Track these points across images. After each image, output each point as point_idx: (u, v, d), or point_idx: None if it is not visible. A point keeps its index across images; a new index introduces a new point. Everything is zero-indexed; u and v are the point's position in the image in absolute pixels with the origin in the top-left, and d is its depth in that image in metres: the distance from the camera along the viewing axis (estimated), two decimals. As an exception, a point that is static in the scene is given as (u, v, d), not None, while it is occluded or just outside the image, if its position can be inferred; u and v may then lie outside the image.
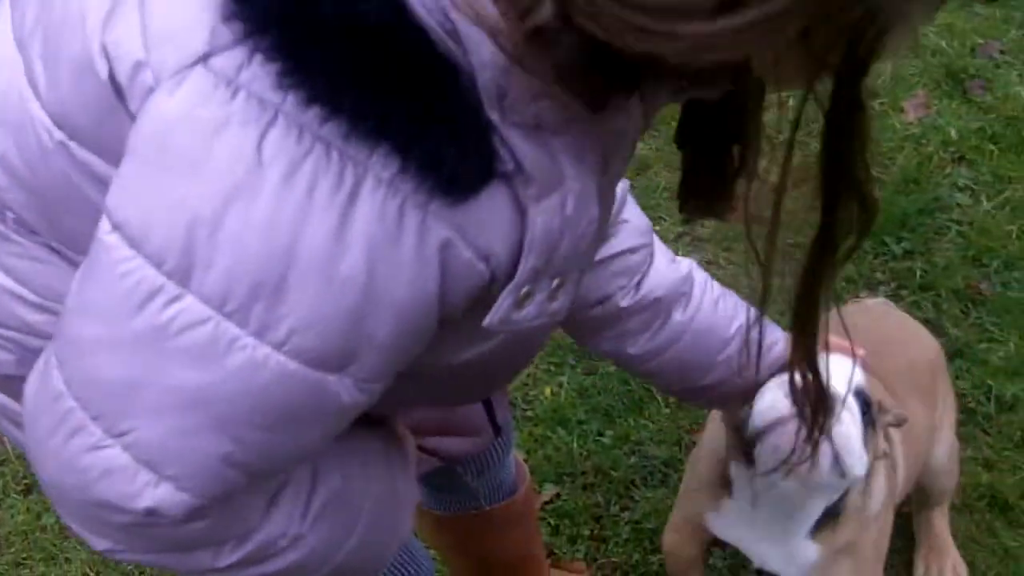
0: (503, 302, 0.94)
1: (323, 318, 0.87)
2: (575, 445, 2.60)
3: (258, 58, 0.82)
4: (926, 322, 2.77)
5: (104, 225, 0.90)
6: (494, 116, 0.85)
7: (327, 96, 0.81)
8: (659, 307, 1.58)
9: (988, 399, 2.64)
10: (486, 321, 0.95)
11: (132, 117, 0.89)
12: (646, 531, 2.44)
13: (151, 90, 0.86)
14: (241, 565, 1.10)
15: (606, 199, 1.08)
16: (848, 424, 1.61)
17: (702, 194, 1.18)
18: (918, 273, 2.92)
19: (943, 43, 3.55)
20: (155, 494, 0.96)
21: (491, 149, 0.86)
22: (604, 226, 1.15)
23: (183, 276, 0.86)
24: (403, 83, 0.82)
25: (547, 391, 2.69)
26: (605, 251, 1.51)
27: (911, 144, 3.24)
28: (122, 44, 0.89)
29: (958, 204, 3.10)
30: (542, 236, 0.92)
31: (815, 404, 1.30)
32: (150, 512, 0.97)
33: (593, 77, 0.86)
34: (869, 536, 1.88)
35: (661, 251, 1.60)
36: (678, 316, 1.60)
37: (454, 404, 1.52)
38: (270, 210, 0.83)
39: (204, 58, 0.83)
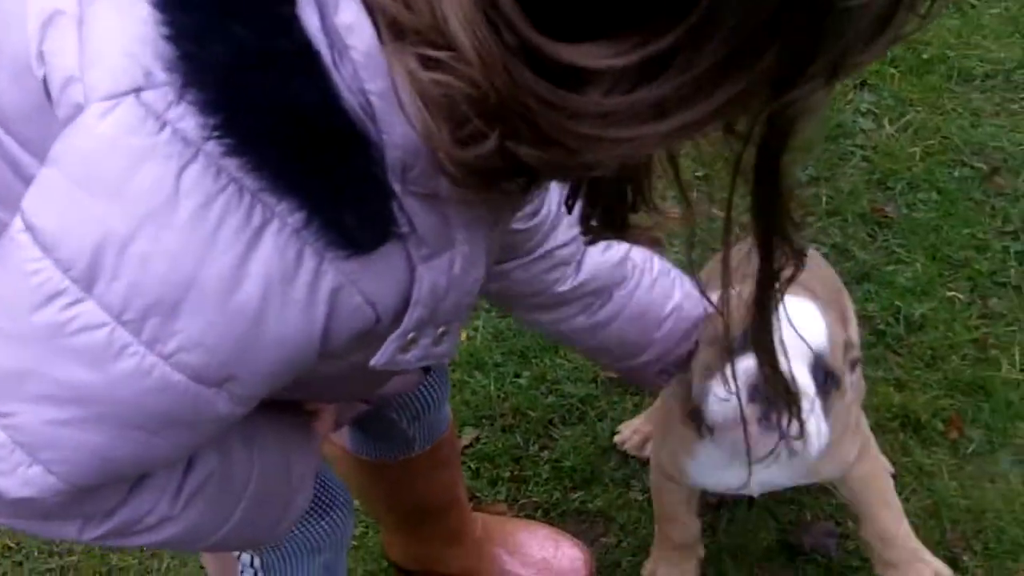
0: (389, 346, 1.04)
1: (211, 340, 0.92)
2: (493, 388, 2.61)
3: (188, 102, 0.86)
4: (834, 247, 2.82)
5: (18, 223, 0.93)
6: (396, 186, 0.92)
7: (250, 154, 0.87)
8: (597, 292, 1.66)
9: (897, 320, 2.68)
10: (372, 362, 1.05)
11: (59, 121, 0.92)
12: (566, 469, 2.46)
13: (80, 107, 0.89)
14: (107, 537, 1.13)
15: (493, 249, 1.17)
16: (809, 416, 1.63)
17: (601, 222, 1.23)
18: (824, 199, 2.95)
19: (841, -31, 3.57)
20: (26, 474, 1.00)
21: (390, 214, 0.93)
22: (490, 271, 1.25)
23: (88, 283, 0.90)
24: (320, 154, 0.88)
25: (463, 336, 2.69)
26: (541, 247, 1.59)
27: (813, 71, 3.25)
28: (57, 55, 0.92)
29: (861, 129, 3.13)
30: (429, 291, 1.01)
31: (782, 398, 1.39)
32: (18, 501, 1.02)
33: (500, 174, 0.92)
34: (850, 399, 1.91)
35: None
36: (615, 297, 1.68)
37: (347, 398, 1.53)
38: (180, 237, 0.88)
39: (137, 90, 0.87)
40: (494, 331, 2.71)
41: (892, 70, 3.26)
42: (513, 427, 2.56)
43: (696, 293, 1.71)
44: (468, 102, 0.83)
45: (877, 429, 2.46)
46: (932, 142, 3.08)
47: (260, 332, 0.93)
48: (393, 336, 1.03)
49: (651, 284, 1.70)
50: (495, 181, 0.92)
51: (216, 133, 0.86)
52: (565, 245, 1.60)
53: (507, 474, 2.47)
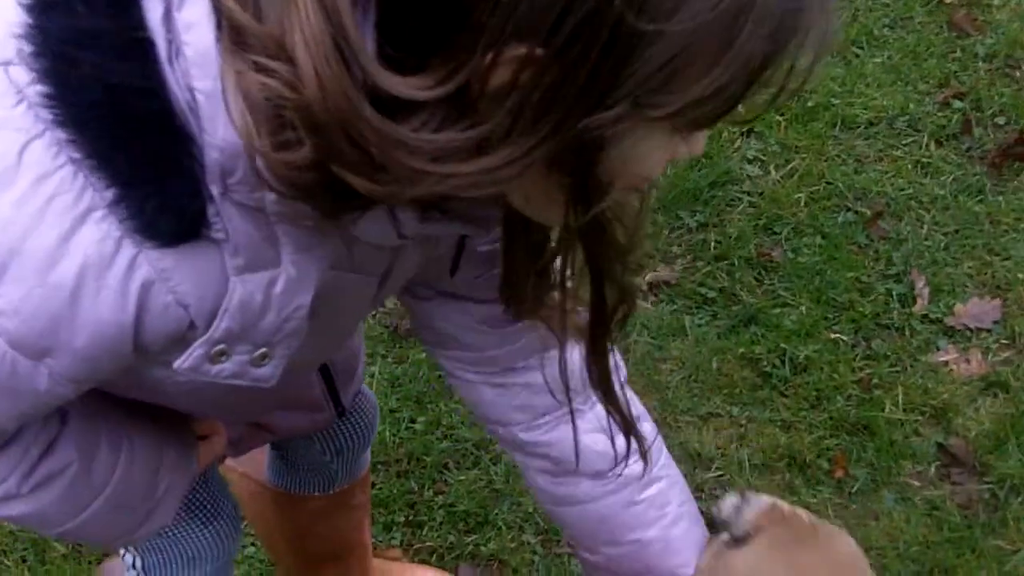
0: (194, 351, 1.04)
1: (27, 310, 0.95)
2: (388, 434, 2.62)
3: (33, 70, 0.90)
4: (721, 291, 2.88)
5: None
6: (214, 189, 0.93)
7: (72, 124, 0.90)
8: (559, 462, 1.50)
9: (783, 362, 2.74)
10: (175, 364, 1.05)
11: None
12: (460, 513, 2.48)
13: None
14: None
15: (359, 296, 1.19)
16: None
17: (510, 294, 1.25)
18: (712, 244, 3.01)
19: (728, 19, 3.65)
20: None
21: (202, 215, 0.94)
22: (353, 323, 1.31)
23: None
24: (134, 136, 0.91)
25: (358, 382, 2.71)
26: (513, 377, 1.47)
27: (701, 119, 3.32)
28: None
29: (748, 175, 3.20)
30: (239, 304, 1.01)
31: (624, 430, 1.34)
32: None
33: (325, 193, 0.92)
34: None
35: (595, 421, 1.46)
36: (582, 485, 1.51)
37: (226, 418, 1.54)
38: (13, 206, 0.91)
39: (6, 64, 0.90)
40: (390, 377, 2.72)
41: (778, 117, 3.34)
42: (408, 472, 2.58)
43: (674, 546, 1.52)
44: (291, 111, 0.85)
45: (764, 469, 2.52)
46: (817, 188, 3.16)
47: (75, 312, 0.95)
48: (199, 342, 1.03)
49: (627, 503, 1.49)
50: (317, 201, 0.93)
51: (50, 103, 0.89)
52: (544, 392, 1.44)
53: (402, 519, 2.49)
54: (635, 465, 1.46)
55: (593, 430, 1.47)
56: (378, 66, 0.84)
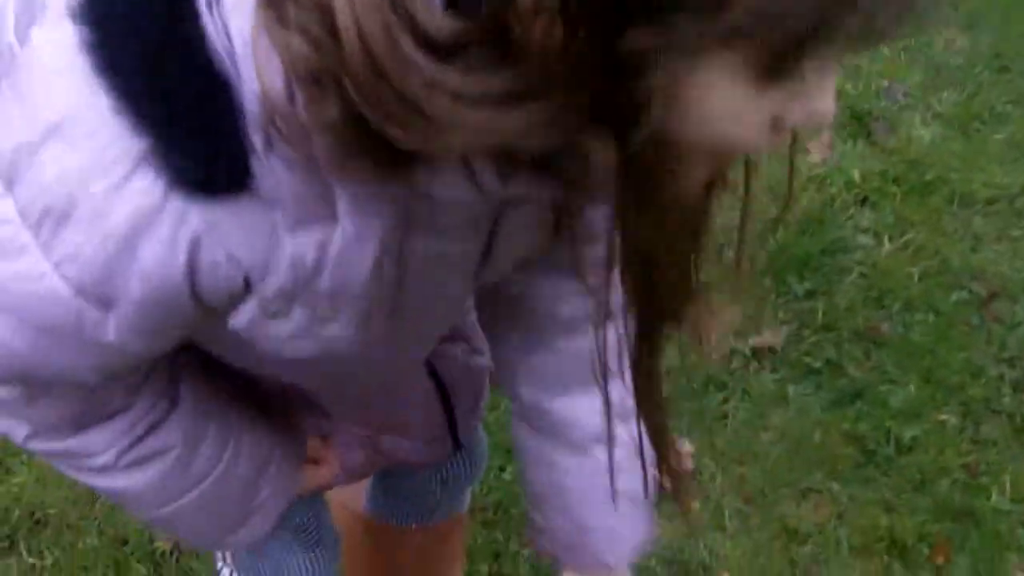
0: (247, 309, 1.01)
1: (87, 256, 0.94)
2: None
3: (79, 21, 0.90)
4: (828, 363, 2.80)
5: None
6: (258, 141, 0.90)
7: (115, 71, 0.89)
8: (542, 416, 1.49)
9: (888, 441, 2.66)
10: (229, 323, 1.03)
11: None
12: (545, 569, 2.41)
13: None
14: (53, 456, 1.23)
15: (455, 267, 1.11)
16: None
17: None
18: (820, 313, 2.94)
19: (848, 85, 3.60)
20: None
21: (246, 167, 0.91)
22: (451, 302, 1.25)
23: (8, 183, 0.94)
24: (175, 85, 0.89)
25: (449, 426, 2.67)
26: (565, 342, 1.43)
27: (814, 185, 3.27)
28: None
29: (860, 246, 3.13)
30: (289, 263, 0.96)
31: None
32: None
33: (373, 145, 0.86)
34: None
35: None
36: (559, 452, 1.50)
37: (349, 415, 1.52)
38: (70, 154, 0.91)
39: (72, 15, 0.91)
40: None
41: (894, 188, 3.28)
42: (494, 522, 2.53)
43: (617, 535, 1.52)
44: (325, 60, 0.80)
45: (864, 551, 2.44)
46: (931, 263, 3.08)
47: (126, 262, 0.94)
48: (252, 300, 1.00)
49: (592, 489, 1.45)
50: (366, 154, 0.87)
51: (95, 50, 0.89)
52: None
53: (485, 570, 2.45)
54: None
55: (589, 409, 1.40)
56: (430, 3, 0.78)
